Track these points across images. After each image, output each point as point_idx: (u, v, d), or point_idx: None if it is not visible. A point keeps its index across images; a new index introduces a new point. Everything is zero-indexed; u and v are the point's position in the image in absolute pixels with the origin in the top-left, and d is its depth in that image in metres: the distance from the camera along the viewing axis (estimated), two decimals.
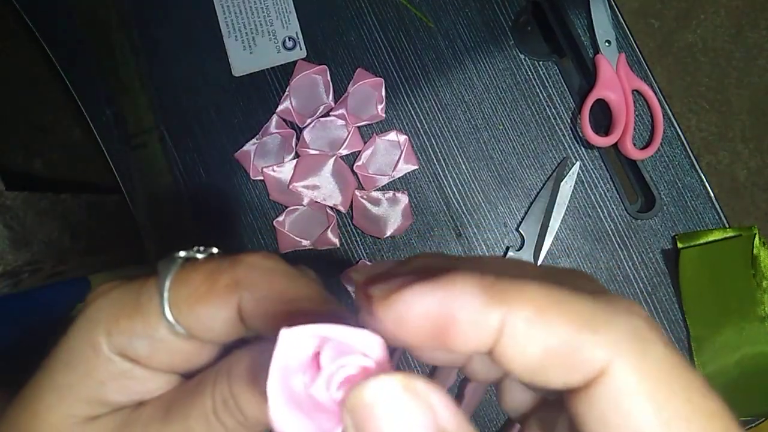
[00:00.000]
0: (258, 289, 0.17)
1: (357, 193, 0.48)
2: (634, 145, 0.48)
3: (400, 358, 0.47)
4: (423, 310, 0.14)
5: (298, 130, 0.49)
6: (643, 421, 0.13)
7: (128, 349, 0.18)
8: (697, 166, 0.49)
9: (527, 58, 0.49)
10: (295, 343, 0.14)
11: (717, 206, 0.48)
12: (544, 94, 0.49)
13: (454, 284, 0.14)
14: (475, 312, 0.13)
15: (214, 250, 0.19)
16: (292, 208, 0.48)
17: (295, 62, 0.49)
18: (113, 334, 0.18)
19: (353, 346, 0.14)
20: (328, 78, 0.49)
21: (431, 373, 0.47)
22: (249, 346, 0.18)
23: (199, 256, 0.19)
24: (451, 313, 0.14)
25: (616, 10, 0.49)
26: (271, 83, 0.49)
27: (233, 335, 0.18)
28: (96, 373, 0.18)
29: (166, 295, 0.17)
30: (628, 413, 0.13)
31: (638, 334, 0.14)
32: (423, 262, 0.17)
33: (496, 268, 0.16)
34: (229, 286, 0.17)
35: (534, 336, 0.13)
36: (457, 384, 0.47)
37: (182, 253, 0.19)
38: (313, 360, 0.14)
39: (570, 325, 0.13)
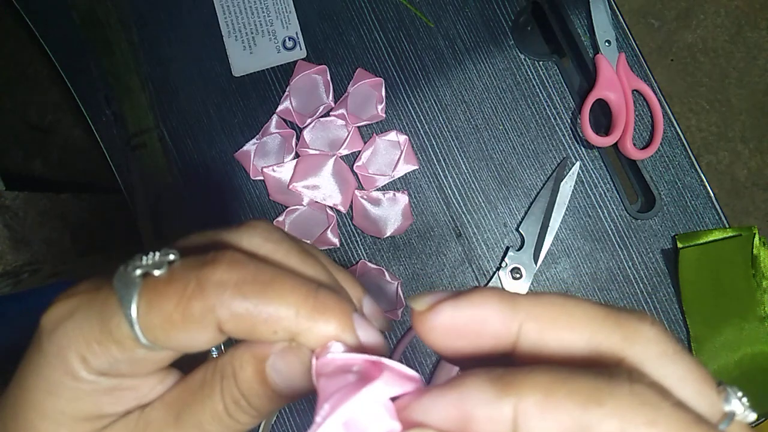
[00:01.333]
0: (233, 309, 0.17)
1: (357, 193, 0.48)
2: (634, 145, 0.48)
3: (402, 355, 0.47)
4: (441, 414, 0.15)
5: (298, 130, 0.49)
6: None
7: (109, 370, 0.18)
8: (697, 166, 0.49)
9: (527, 58, 0.49)
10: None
11: (717, 206, 0.48)
12: (544, 94, 0.49)
13: (465, 384, 0.15)
14: (489, 406, 0.14)
15: (171, 257, 0.18)
16: (292, 208, 0.48)
17: (295, 62, 0.49)
18: (89, 359, 0.17)
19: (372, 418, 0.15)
20: (328, 78, 0.49)
21: (434, 368, 0.47)
22: (248, 346, 0.18)
23: (157, 273, 0.17)
24: (466, 411, 0.14)
25: (616, 10, 0.49)
26: (271, 83, 0.49)
27: (218, 342, 0.18)
28: (83, 394, 0.18)
29: (136, 325, 0.17)
30: None
31: (644, 399, 0.14)
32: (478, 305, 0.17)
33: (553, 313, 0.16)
34: (203, 312, 0.17)
35: (547, 419, 0.14)
36: None
37: (138, 271, 0.17)
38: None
39: (577, 402, 0.14)
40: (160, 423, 0.18)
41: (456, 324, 0.16)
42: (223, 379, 0.18)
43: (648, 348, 0.16)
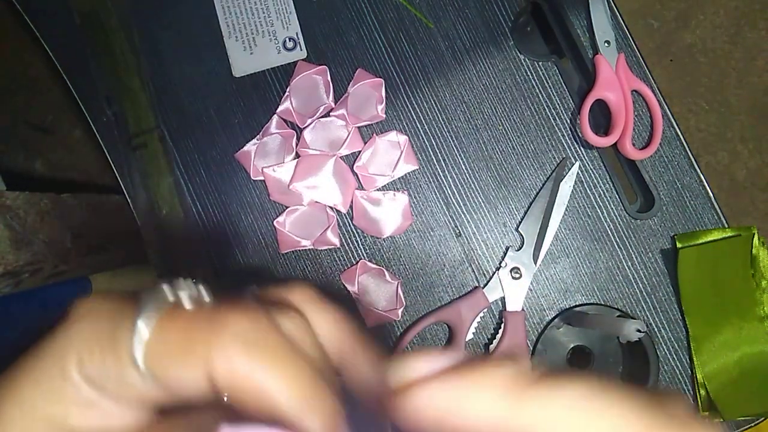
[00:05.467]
0: (232, 364, 0.16)
1: (357, 193, 0.48)
2: (634, 145, 0.48)
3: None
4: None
5: (299, 131, 0.49)
6: None
7: (97, 381, 0.17)
8: (696, 166, 0.49)
9: (527, 59, 0.49)
10: None
11: (716, 206, 0.49)
12: (544, 95, 0.49)
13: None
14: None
15: (206, 297, 0.18)
16: (292, 208, 0.48)
17: (295, 63, 0.49)
18: (85, 363, 0.17)
19: None
20: (328, 78, 0.49)
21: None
22: (231, 427, 0.18)
23: (187, 304, 0.17)
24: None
25: (616, 10, 0.49)
26: (272, 84, 0.49)
27: (205, 392, 0.17)
28: (62, 396, 0.17)
29: (140, 347, 0.17)
30: None
31: None
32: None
33: None
34: (202, 355, 0.16)
35: None
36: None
37: (170, 295, 0.17)
38: None
39: None
40: None
41: None
42: None
43: None
